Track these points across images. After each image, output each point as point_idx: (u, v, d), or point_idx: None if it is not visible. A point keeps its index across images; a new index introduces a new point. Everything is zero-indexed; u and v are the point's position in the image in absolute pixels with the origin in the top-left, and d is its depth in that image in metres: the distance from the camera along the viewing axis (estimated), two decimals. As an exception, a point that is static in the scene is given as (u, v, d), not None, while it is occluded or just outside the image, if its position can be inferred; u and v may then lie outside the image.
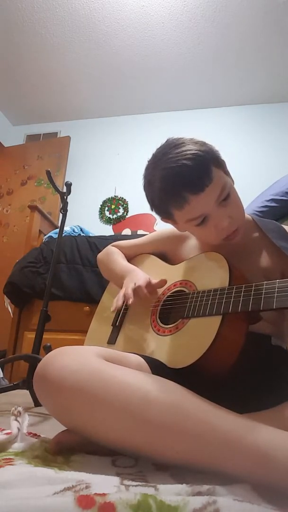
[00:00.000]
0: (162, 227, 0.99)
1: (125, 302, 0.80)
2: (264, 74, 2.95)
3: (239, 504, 0.34)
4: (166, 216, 0.79)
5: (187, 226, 0.77)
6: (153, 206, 0.79)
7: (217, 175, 0.71)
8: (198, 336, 0.64)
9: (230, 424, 0.48)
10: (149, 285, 0.80)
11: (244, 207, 0.83)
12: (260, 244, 0.80)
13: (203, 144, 0.74)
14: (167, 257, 0.94)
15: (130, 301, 0.78)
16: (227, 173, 0.76)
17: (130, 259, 1.01)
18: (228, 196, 0.72)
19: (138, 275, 0.85)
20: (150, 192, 0.78)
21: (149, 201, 0.80)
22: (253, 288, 0.61)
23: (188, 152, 0.70)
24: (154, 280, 0.82)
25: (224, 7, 2.43)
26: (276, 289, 0.57)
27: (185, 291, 0.75)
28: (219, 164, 0.73)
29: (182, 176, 0.69)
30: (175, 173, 0.70)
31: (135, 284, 0.80)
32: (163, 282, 0.81)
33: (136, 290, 0.79)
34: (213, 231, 0.74)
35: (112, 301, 0.95)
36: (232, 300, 0.62)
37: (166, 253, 0.95)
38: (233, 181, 0.79)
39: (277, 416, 0.55)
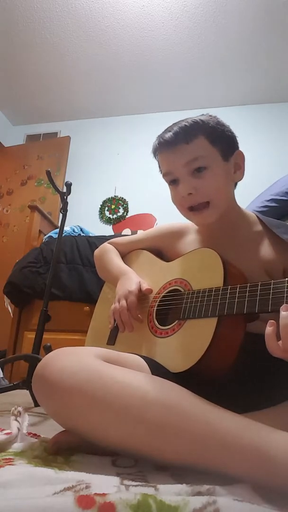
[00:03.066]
0: (160, 226, 0.99)
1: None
2: (264, 74, 2.95)
3: (239, 504, 0.34)
4: (157, 162, 0.83)
5: (165, 181, 0.80)
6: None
7: (198, 143, 0.73)
8: (194, 338, 0.63)
9: (229, 424, 0.48)
10: (139, 291, 0.81)
11: (244, 207, 0.83)
12: (262, 238, 0.80)
13: (221, 124, 0.78)
14: (164, 253, 0.93)
15: (121, 329, 0.79)
16: (226, 158, 0.76)
17: (125, 256, 1.00)
18: (204, 169, 0.73)
19: (130, 280, 0.84)
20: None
21: None
22: (247, 289, 0.59)
23: (197, 116, 0.76)
24: (145, 285, 0.82)
25: (224, 7, 2.43)
26: (271, 291, 0.56)
27: (180, 291, 0.75)
28: (214, 141, 0.74)
29: (170, 128, 0.76)
30: (170, 126, 0.77)
31: (126, 298, 0.79)
32: (149, 291, 0.81)
33: (130, 310, 0.78)
34: (178, 196, 0.77)
35: (109, 301, 0.95)
36: (227, 301, 0.61)
37: (162, 249, 0.94)
38: (242, 176, 0.80)
39: (276, 416, 0.55)
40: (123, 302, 0.79)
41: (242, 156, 0.80)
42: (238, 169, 0.79)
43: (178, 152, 0.73)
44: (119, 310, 0.79)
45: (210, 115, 0.79)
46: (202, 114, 0.80)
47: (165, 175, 0.79)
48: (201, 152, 0.73)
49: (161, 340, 0.71)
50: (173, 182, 0.77)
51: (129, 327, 0.77)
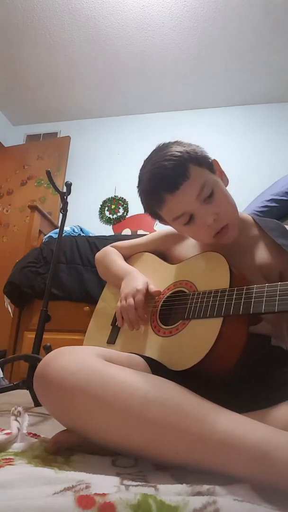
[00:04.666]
0: (162, 227, 0.99)
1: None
2: (264, 74, 2.95)
3: (239, 504, 0.34)
4: (156, 217, 0.81)
5: (176, 226, 0.78)
6: (144, 209, 0.81)
7: (195, 173, 0.72)
8: (198, 338, 0.64)
9: (229, 423, 0.48)
10: (147, 291, 0.80)
11: (244, 207, 0.83)
12: (259, 242, 0.80)
13: (187, 145, 0.76)
14: (166, 257, 0.94)
15: (130, 328, 0.79)
16: (213, 171, 0.77)
17: (128, 258, 1.01)
18: (212, 194, 0.72)
19: (136, 279, 0.84)
20: (140, 196, 0.80)
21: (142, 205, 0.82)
22: (254, 290, 0.60)
23: (168, 153, 0.73)
24: (152, 287, 0.81)
25: (224, 7, 2.43)
26: (278, 292, 0.57)
27: (185, 292, 0.75)
28: (200, 162, 0.74)
29: (158, 177, 0.73)
30: (153, 174, 0.74)
31: (134, 297, 0.79)
32: (157, 292, 0.80)
33: (137, 309, 0.78)
34: (202, 229, 0.75)
35: (110, 300, 0.95)
36: (233, 302, 0.61)
37: (165, 252, 0.95)
38: (227, 180, 0.80)
39: (276, 416, 0.55)
40: (130, 300, 0.79)
41: (217, 162, 0.80)
42: (222, 175, 0.80)
43: (186, 189, 0.71)
44: (126, 308, 0.79)
45: (173, 143, 0.77)
46: (165, 144, 0.77)
47: (178, 217, 0.74)
48: (202, 179, 0.72)
49: (164, 339, 0.71)
50: (189, 220, 0.74)
51: (137, 326, 0.78)
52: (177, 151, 0.73)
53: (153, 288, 0.81)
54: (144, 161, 0.79)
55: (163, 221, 0.81)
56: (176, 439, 0.47)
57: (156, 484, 0.40)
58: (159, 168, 0.73)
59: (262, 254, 0.78)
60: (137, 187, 0.80)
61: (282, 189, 1.94)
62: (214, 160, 0.79)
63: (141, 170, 0.79)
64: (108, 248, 1.04)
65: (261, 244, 0.80)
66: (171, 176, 0.71)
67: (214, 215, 0.72)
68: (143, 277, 0.85)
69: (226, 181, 0.80)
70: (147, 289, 0.81)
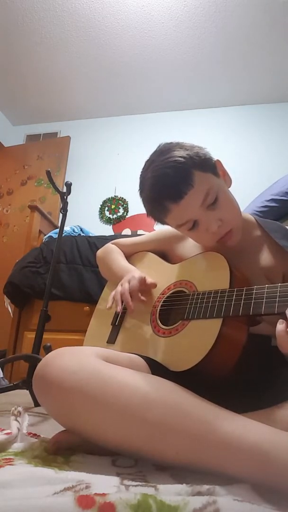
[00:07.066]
0: (163, 226, 0.99)
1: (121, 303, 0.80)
2: (265, 74, 2.95)
3: (239, 504, 0.34)
4: (160, 222, 0.80)
5: (180, 230, 0.78)
6: (147, 214, 0.81)
7: (200, 179, 0.70)
8: (198, 339, 0.64)
9: (230, 424, 0.48)
10: (143, 283, 0.80)
11: (244, 207, 0.83)
12: (261, 243, 0.80)
13: (190, 148, 0.74)
14: (167, 256, 0.94)
15: (118, 308, 0.78)
16: (217, 174, 0.75)
17: (129, 257, 1.01)
18: (216, 200, 0.71)
19: (135, 274, 0.84)
20: (142, 200, 0.80)
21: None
22: (254, 291, 0.60)
23: (170, 159, 0.71)
24: (149, 279, 0.82)
25: (224, 7, 2.43)
26: (278, 293, 0.57)
27: (185, 292, 0.75)
28: (204, 167, 0.72)
29: (162, 186, 0.71)
30: (156, 183, 0.72)
31: (129, 282, 0.80)
32: (153, 285, 0.81)
33: (132, 293, 0.78)
34: (206, 235, 0.74)
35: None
36: (233, 303, 0.61)
37: (166, 251, 0.95)
38: (230, 180, 0.79)
39: (276, 416, 0.55)
40: (126, 285, 0.80)
41: (220, 162, 0.78)
42: (225, 176, 0.78)
43: (191, 198, 0.69)
44: (120, 291, 0.80)
45: (175, 145, 0.74)
46: (167, 147, 0.75)
47: (183, 224, 0.74)
48: (207, 185, 0.70)
49: (164, 340, 0.71)
50: (193, 226, 0.74)
51: (129, 308, 0.78)
52: (180, 156, 0.70)
53: (150, 280, 0.82)
54: (145, 163, 0.77)
55: (165, 224, 0.81)
56: (176, 439, 0.47)
57: (156, 484, 0.40)
58: (162, 175, 0.70)
59: (265, 256, 0.78)
60: (139, 191, 0.79)
61: (282, 189, 1.94)
62: (217, 160, 0.77)
63: (142, 173, 0.78)
64: (110, 246, 1.04)
65: (264, 246, 0.79)
66: (175, 184, 0.69)
67: (219, 222, 0.72)
68: (142, 274, 0.85)
69: (229, 182, 0.79)
70: (144, 282, 0.81)
